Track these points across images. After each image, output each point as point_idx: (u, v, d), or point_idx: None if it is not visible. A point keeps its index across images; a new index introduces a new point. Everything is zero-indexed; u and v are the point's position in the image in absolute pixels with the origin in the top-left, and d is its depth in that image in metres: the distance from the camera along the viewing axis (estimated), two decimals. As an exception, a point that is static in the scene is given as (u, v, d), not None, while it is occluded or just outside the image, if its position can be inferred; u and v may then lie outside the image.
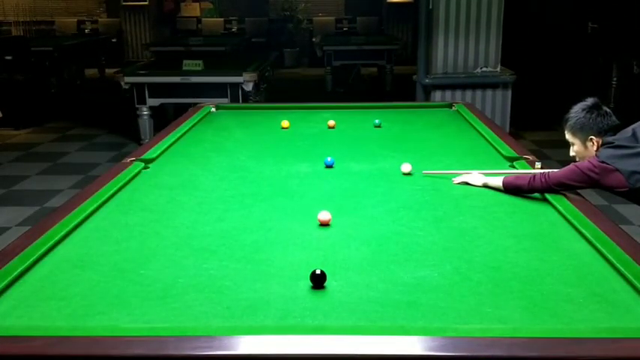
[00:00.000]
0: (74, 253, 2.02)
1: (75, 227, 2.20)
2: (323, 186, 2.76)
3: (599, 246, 1.97)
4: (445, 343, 1.45)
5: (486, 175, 2.68)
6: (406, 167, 2.87)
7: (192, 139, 3.60)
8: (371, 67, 11.48)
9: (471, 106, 4.33)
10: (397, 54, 10.25)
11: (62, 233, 2.11)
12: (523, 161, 2.93)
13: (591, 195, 3.77)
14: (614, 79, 8.11)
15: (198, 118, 4.02)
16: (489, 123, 3.82)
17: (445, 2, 5.92)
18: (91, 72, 11.89)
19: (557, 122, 2.90)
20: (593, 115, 2.49)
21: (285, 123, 3.82)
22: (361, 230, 2.22)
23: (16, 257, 1.89)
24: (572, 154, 2.62)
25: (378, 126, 3.83)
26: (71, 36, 12.33)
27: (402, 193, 2.64)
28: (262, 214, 2.40)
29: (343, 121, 3.92)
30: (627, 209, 4.74)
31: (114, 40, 12.65)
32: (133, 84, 6.38)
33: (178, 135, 3.56)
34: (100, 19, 14.08)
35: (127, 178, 2.75)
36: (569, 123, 2.55)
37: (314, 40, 12.78)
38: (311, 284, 1.76)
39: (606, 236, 2.01)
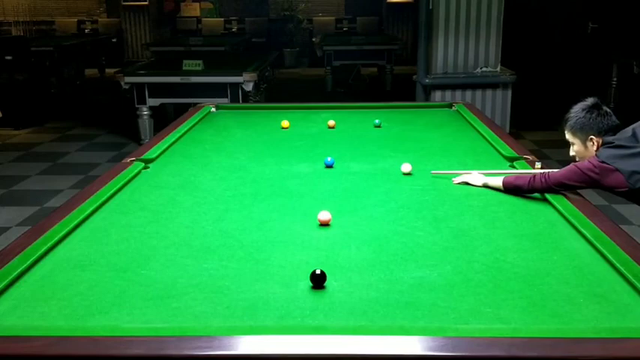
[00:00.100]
0: (74, 253, 2.02)
1: (75, 227, 2.20)
2: (323, 186, 2.76)
3: (599, 246, 1.97)
4: (445, 343, 1.45)
5: (486, 175, 2.68)
6: (406, 167, 2.87)
7: (192, 139, 3.60)
8: (371, 67, 11.48)
9: (471, 106, 4.33)
10: (397, 54, 10.25)
11: (62, 233, 2.11)
12: (523, 161, 2.93)
13: (591, 195, 3.77)
14: (614, 79, 8.11)
15: (198, 118, 4.02)
16: (489, 123, 3.82)
17: (445, 2, 5.92)
18: (91, 72, 11.89)
19: (557, 122, 2.90)
20: (594, 115, 2.49)
21: (285, 123, 3.82)
22: (361, 230, 2.22)
23: (16, 257, 1.89)
24: (572, 153, 2.62)
25: (378, 126, 3.83)
26: (71, 36, 12.33)
27: (402, 193, 2.64)
28: (262, 214, 2.40)
29: (343, 121, 3.92)
30: (627, 209, 4.74)
31: (114, 40, 12.65)
32: (133, 84, 6.38)
33: (178, 135, 3.56)
34: (100, 19, 14.08)
35: (127, 178, 2.75)
36: (569, 123, 2.55)
37: (314, 40, 12.79)
38: (311, 284, 1.76)
39: (606, 236, 2.01)
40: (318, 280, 1.75)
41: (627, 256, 1.85)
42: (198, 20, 14.01)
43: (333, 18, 14.11)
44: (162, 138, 3.47)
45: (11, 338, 1.48)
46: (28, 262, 1.88)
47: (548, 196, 2.45)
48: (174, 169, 3.00)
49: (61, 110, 9.05)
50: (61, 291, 1.76)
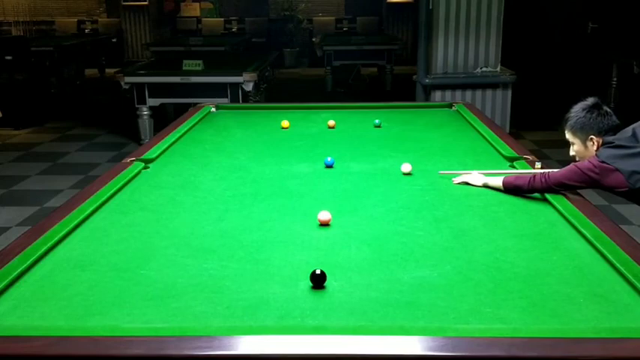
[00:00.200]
0: (74, 253, 2.02)
1: (75, 227, 2.20)
2: (323, 186, 2.76)
3: (599, 246, 1.97)
4: (445, 343, 1.45)
5: (486, 175, 2.68)
6: (406, 167, 2.87)
7: (192, 139, 3.60)
8: (371, 67, 11.48)
9: (470, 106, 4.33)
10: (397, 54, 10.25)
11: (62, 233, 2.11)
12: (523, 161, 2.93)
13: (591, 195, 3.77)
14: (614, 79, 8.11)
15: (198, 118, 4.02)
16: (489, 123, 3.82)
17: (445, 2, 5.92)
18: (91, 72, 11.89)
19: (557, 122, 2.90)
20: (594, 115, 2.49)
21: (285, 123, 3.82)
22: (361, 230, 2.22)
23: (16, 257, 1.89)
24: (572, 153, 2.62)
25: (378, 126, 3.83)
26: (71, 36, 12.33)
27: (402, 193, 2.64)
28: (262, 214, 2.40)
29: (343, 121, 3.92)
30: (627, 209, 4.74)
31: (114, 40, 12.65)
32: (133, 84, 6.38)
33: (178, 135, 3.56)
34: (100, 19, 14.09)
35: (127, 178, 2.75)
36: (569, 122, 2.55)
37: (314, 40, 12.79)
38: (311, 284, 1.76)
39: (606, 236, 2.01)
40: (318, 280, 1.75)
41: (627, 256, 1.85)
42: (198, 20, 14.01)
43: (333, 18, 14.11)
44: (162, 138, 3.47)
45: (11, 338, 1.48)
46: (28, 262, 1.88)
47: (548, 196, 2.45)
48: (174, 169, 3.00)
49: (61, 110, 9.05)
50: (61, 291, 1.76)
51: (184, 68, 6.46)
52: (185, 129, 3.71)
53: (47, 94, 9.17)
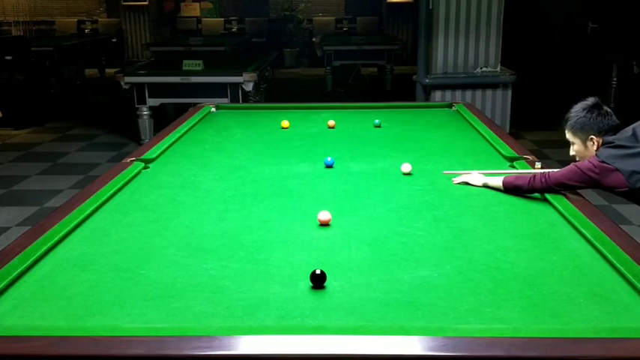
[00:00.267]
0: (74, 253, 2.02)
1: (75, 227, 2.20)
2: (323, 186, 2.76)
3: (599, 246, 1.97)
4: (445, 343, 1.45)
5: (486, 175, 2.68)
6: (406, 167, 2.87)
7: (192, 139, 3.60)
8: (371, 67, 11.48)
9: (470, 106, 4.33)
10: (397, 54, 10.25)
11: (62, 233, 2.11)
12: (523, 161, 2.93)
13: (591, 195, 3.77)
14: (614, 79, 8.11)
15: (198, 118, 4.02)
16: (489, 123, 3.82)
17: (445, 2, 5.92)
18: (91, 72, 11.89)
19: (557, 122, 2.90)
20: (594, 115, 2.49)
21: (285, 123, 3.82)
22: (361, 230, 2.21)
23: (16, 257, 1.89)
24: (572, 153, 2.62)
25: (378, 126, 3.83)
26: (71, 36, 12.33)
27: (402, 193, 2.64)
28: (262, 214, 2.40)
29: (343, 121, 3.92)
30: (627, 209, 4.74)
31: (114, 40, 12.65)
32: (133, 84, 6.38)
33: (178, 135, 3.56)
34: (100, 19, 14.09)
35: (127, 178, 2.75)
36: (569, 122, 2.55)
37: (314, 40, 12.80)
38: (311, 284, 1.76)
39: (606, 236, 2.01)
40: (318, 280, 1.75)
41: (627, 256, 1.85)
42: (198, 20, 14.01)
43: (333, 18, 14.11)
44: (162, 138, 3.47)
45: (11, 338, 1.48)
46: (28, 262, 1.88)
47: (548, 196, 2.45)
48: (174, 169, 3.00)
49: (61, 110, 9.06)
50: (61, 291, 1.76)
51: (184, 68, 6.46)
52: (185, 129, 3.71)
53: (47, 94, 9.17)
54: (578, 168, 2.41)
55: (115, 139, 7.38)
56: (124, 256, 2.01)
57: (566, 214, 2.27)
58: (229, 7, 14.34)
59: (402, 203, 2.51)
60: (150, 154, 3.14)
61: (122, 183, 2.68)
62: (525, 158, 2.97)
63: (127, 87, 6.41)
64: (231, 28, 13.74)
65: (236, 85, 6.18)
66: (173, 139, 3.46)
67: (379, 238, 2.14)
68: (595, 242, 2.00)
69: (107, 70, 11.64)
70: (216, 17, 14.16)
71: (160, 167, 3.02)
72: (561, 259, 1.95)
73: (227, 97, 6.16)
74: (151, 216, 2.38)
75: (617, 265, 1.83)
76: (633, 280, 1.73)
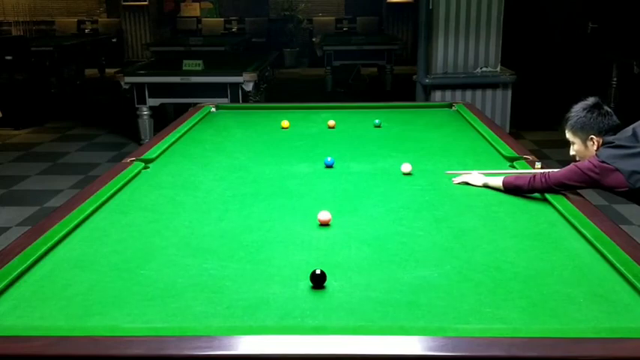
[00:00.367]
0: (74, 253, 2.02)
1: (75, 227, 2.20)
2: (323, 186, 2.76)
3: (599, 246, 1.97)
4: (445, 343, 1.45)
5: (486, 175, 2.68)
6: (406, 167, 2.87)
7: (192, 139, 3.60)
8: (371, 67, 11.48)
9: (470, 106, 4.33)
10: (397, 54, 10.25)
11: (62, 233, 2.11)
12: (523, 161, 2.93)
13: (591, 195, 3.77)
14: (614, 79, 8.11)
15: (198, 118, 4.02)
16: (489, 123, 3.82)
17: (445, 2, 5.92)
18: (91, 72, 11.90)
19: (557, 122, 2.91)
20: (594, 115, 2.49)
21: (285, 123, 3.82)
22: (361, 230, 2.21)
23: (16, 257, 1.89)
24: (572, 153, 2.62)
25: (378, 126, 3.83)
26: (71, 36, 12.33)
27: (402, 193, 2.64)
28: (262, 214, 2.40)
29: (343, 121, 3.92)
30: (627, 209, 4.74)
31: (114, 40, 12.66)
32: (133, 84, 6.38)
33: (178, 135, 3.56)
34: (100, 19, 14.09)
35: (127, 178, 2.75)
36: (569, 122, 2.55)
37: (314, 40, 12.80)
38: (311, 284, 1.76)
39: (606, 236, 2.01)
40: (318, 280, 1.75)
41: (627, 256, 1.85)
42: (198, 20, 14.01)
43: (333, 18, 14.11)
44: (162, 138, 3.47)
45: (11, 338, 1.48)
46: (28, 262, 1.88)
47: (548, 196, 2.45)
48: (174, 169, 3.00)
49: (61, 110, 9.05)
50: (61, 291, 1.76)
51: (184, 68, 6.46)
52: (185, 129, 3.71)
53: (47, 94, 9.17)
54: (579, 168, 2.41)
55: (115, 139, 7.38)
56: (124, 256, 2.01)
57: (566, 214, 2.27)
58: (229, 7, 14.34)
59: (402, 203, 2.51)
60: (150, 154, 3.14)
61: (122, 183, 2.68)
62: (525, 158, 2.97)
63: (127, 87, 6.41)
64: (231, 28, 13.74)
65: (236, 85, 6.18)
66: (173, 139, 3.46)
67: (379, 238, 2.14)
68: (595, 242, 2.00)
69: (107, 70, 11.65)
70: (216, 17, 14.16)
71: (160, 167, 3.02)
72: (561, 259, 1.95)
73: (227, 97, 6.16)
74: (151, 216, 2.38)
75: (617, 265, 1.83)
76: (633, 280, 1.73)
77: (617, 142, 2.40)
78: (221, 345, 1.45)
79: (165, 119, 6.63)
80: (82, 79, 11.28)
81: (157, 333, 1.50)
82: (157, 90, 6.42)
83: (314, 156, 3.20)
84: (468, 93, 6.11)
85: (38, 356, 1.45)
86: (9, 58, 7.88)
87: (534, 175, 2.50)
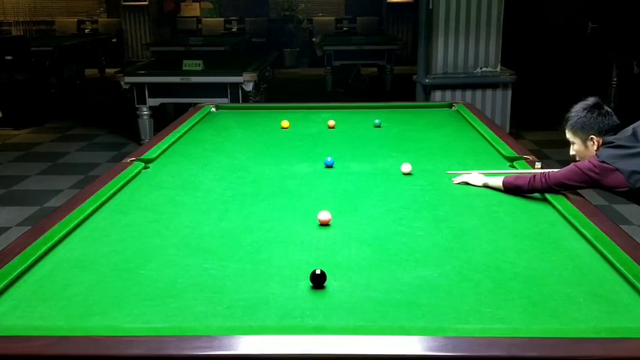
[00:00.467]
0: (74, 253, 2.02)
1: (75, 227, 2.20)
2: (323, 186, 2.76)
3: (599, 246, 1.97)
4: (445, 343, 1.45)
5: (486, 175, 2.68)
6: (406, 167, 2.87)
7: (192, 139, 3.60)
8: (371, 67, 11.48)
9: (470, 106, 4.33)
10: (397, 54, 10.25)
11: (62, 233, 2.11)
12: (523, 161, 2.93)
13: (591, 195, 3.77)
14: (614, 79, 8.11)
15: (198, 118, 4.02)
16: (489, 123, 3.82)
17: (445, 2, 5.92)
18: (91, 72, 11.90)
19: (557, 122, 2.91)
20: (594, 115, 2.49)
21: (285, 123, 3.82)
22: (361, 230, 2.21)
23: (16, 257, 1.89)
24: (572, 153, 2.62)
25: (378, 126, 3.83)
26: (71, 36, 12.33)
27: (402, 193, 2.64)
28: (262, 214, 2.40)
29: (343, 121, 3.92)
30: (627, 209, 4.74)
31: (114, 40, 12.66)
32: (133, 84, 6.38)
33: (178, 135, 3.56)
34: (100, 19, 14.09)
35: (127, 178, 2.75)
36: (570, 122, 2.55)
37: (314, 40, 12.80)
38: (311, 284, 1.76)
39: (606, 236, 2.01)
40: (318, 280, 1.75)
41: (627, 256, 1.85)
42: (198, 20, 14.01)
43: (333, 18, 14.11)
44: (162, 138, 3.47)
45: (11, 338, 1.48)
46: (28, 262, 1.88)
47: (548, 196, 2.45)
48: (174, 169, 3.00)
49: (61, 110, 9.05)
50: (61, 291, 1.76)
51: (184, 68, 6.46)
52: (185, 129, 3.71)
53: (47, 94, 9.17)
54: (579, 168, 2.41)
55: (115, 139, 7.38)
56: (124, 256, 2.01)
57: (566, 214, 2.27)
58: (229, 7, 14.34)
59: (402, 203, 2.51)
60: (150, 154, 3.14)
61: (122, 183, 2.68)
62: (525, 158, 2.97)
63: (127, 87, 6.41)
64: (231, 28, 13.74)
65: (236, 85, 6.18)
66: (173, 139, 3.46)
67: (379, 238, 2.14)
68: (595, 242, 2.00)
69: (107, 70, 11.65)
70: (216, 17, 14.16)
71: (160, 167, 3.02)
72: (561, 259, 1.95)
73: (227, 97, 6.16)
74: (151, 216, 2.38)
75: (617, 265, 1.83)
76: (633, 280, 1.73)
77: (617, 142, 2.40)
78: (221, 345, 1.45)
79: (165, 119, 6.63)
80: (82, 79, 11.28)
81: (157, 333, 1.50)
82: (157, 90, 6.43)
83: (314, 156, 3.20)
84: (468, 93, 6.11)
85: (38, 356, 1.45)
86: (9, 58, 7.88)
87: (534, 175, 2.50)
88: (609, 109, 2.53)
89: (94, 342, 1.46)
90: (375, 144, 3.47)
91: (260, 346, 1.44)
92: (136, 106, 6.47)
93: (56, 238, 2.06)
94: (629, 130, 2.45)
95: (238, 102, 6.05)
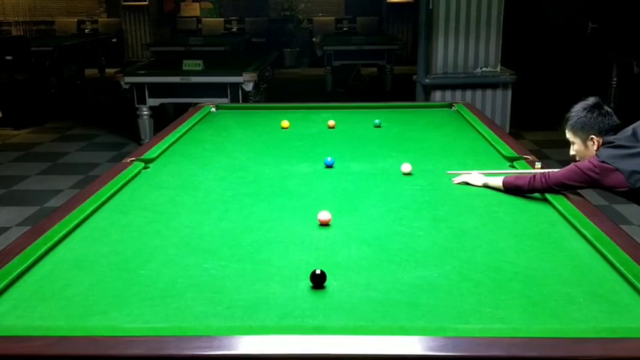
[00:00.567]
0: (74, 253, 2.02)
1: (75, 227, 2.20)
2: (323, 186, 2.76)
3: (599, 246, 1.97)
4: (445, 343, 1.45)
5: (486, 175, 2.68)
6: (406, 167, 2.87)
7: (192, 139, 3.60)
8: (371, 67, 11.48)
9: (470, 106, 4.33)
10: (397, 54, 10.25)
11: (62, 233, 2.11)
12: (523, 161, 2.93)
13: (591, 195, 3.77)
14: (614, 79, 8.11)
15: (198, 118, 4.02)
16: (489, 123, 3.82)
17: (445, 2, 5.92)
18: (91, 72, 11.90)
19: (557, 122, 2.91)
20: (594, 115, 2.49)
21: (285, 123, 3.82)
22: (361, 230, 2.21)
23: (16, 257, 1.89)
24: (572, 153, 2.62)
25: (378, 126, 3.83)
26: (71, 36, 12.33)
27: (402, 193, 2.64)
28: (262, 214, 2.40)
29: (343, 121, 3.92)
30: (627, 209, 4.74)
31: (114, 40, 12.66)
32: (133, 84, 6.38)
33: (178, 135, 3.56)
34: (100, 19, 14.09)
35: (127, 178, 2.75)
36: (570, 122, 2.55)
37: (314, 40, 12.80)
38: (311, 284, 1.76)
39: (606, 236, 2.01)
40: (318, 280, 1.75)
41: (627, 256, 1.85)
42: (198, 20, 14.01)
43: (333, 18, 14.11)
44: (162, 138, 3.47)
45: (11, 338, 1.48)
46: (28, 262, 1.88)
47: (548, 196, 2.45)
48: (174, 169, 3.00)
49: (61, 110, 9.05)
50: (61, 291, 1.76)
51: (184, 68, 6.46)
52: (185, 129, 3.71)
53: (47, 94, 9.17)
54: (579, 168, 2.41)
55: (115, 139, 7.38)
56: (124, 256, 2.01)
57: (566, 214, 2.27)
58: (229, 7, 14.33)
59: (402, 203, 2.51)
60: (150, 154, 3.14)
61: (122, 183, 2.68)
62: (525, 158, 2.97)
63: (127, 87, 6.41)
64: (231, 28, 13.74)
65: (236, 85, 6.18)
66: (173, 139, 3.46)
67: (379, 238, 2.14)
68: (595, 242, 2.00)
69: (107, 70, 11.65)
70: (216, 17, 14.16)
71: (160, 167, 3.02)
72: (561, 259, 1.95)
73: (227, 97, 6.16)
74: (151, 216, 2.38)
75: (617, 265, 1.83)
76: (633, 280, 1.73)
77: (617, 142, 2.40)
78: (221, 345, 1.45)
79: (165, 119, 6.63)
80: (82, 79, 11.28)
81: (157, 333, 1.50)
82: (157, 90, 6.43)
83: (314, 156, 3.20)
84: (468, 93, 6.11)
85: (38, 356, 1.45)
86: (9, 58, 7.88)
87: (534, 175, 2.50)
88: (609, 109, 2.53)
89: (94, 342, 1.46)
90: (375, 144, 3.47)
91: (260, 346, 1.44)
92: (136, 106, 6.47)
93: (56, 238, 2.06)
94: (629, 130, 2.45)
95: (238, 102, 6.05)
